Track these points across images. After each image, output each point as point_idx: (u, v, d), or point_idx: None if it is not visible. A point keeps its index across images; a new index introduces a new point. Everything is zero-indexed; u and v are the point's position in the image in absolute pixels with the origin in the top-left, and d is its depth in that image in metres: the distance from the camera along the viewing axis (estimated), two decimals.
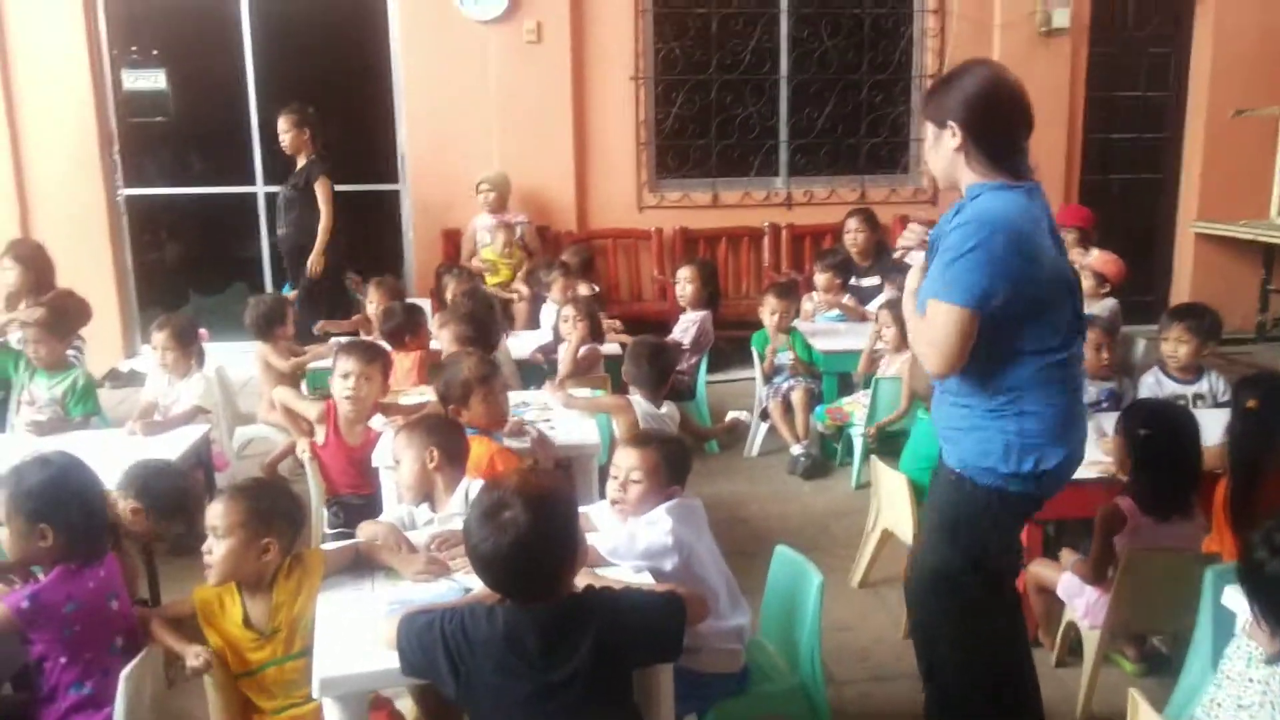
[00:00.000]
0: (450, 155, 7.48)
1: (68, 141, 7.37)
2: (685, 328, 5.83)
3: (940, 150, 2.48)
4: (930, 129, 2.51)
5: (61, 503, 2.51)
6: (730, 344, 6.76)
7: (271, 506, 2.48)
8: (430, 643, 2.05)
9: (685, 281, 5.89)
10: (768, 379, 5.59)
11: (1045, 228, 2.45)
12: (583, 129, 7.62)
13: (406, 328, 4.90)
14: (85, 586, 2.48)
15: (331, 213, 6.49)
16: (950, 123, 2.43)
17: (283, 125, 6.57)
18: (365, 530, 2.78)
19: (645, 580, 2.50)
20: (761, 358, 5.65)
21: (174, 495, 3.22)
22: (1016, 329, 2.41)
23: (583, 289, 6.14)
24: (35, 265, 5.70)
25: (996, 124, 2.43)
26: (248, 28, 7.49)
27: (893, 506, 3.80)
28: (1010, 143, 2.45)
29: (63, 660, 2.46)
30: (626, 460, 2.74)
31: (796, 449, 5.33)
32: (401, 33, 7.47)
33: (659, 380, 4.29)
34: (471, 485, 2.91)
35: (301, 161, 6.63)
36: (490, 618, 2.04)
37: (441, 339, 4.66)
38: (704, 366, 5.82)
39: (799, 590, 2.74)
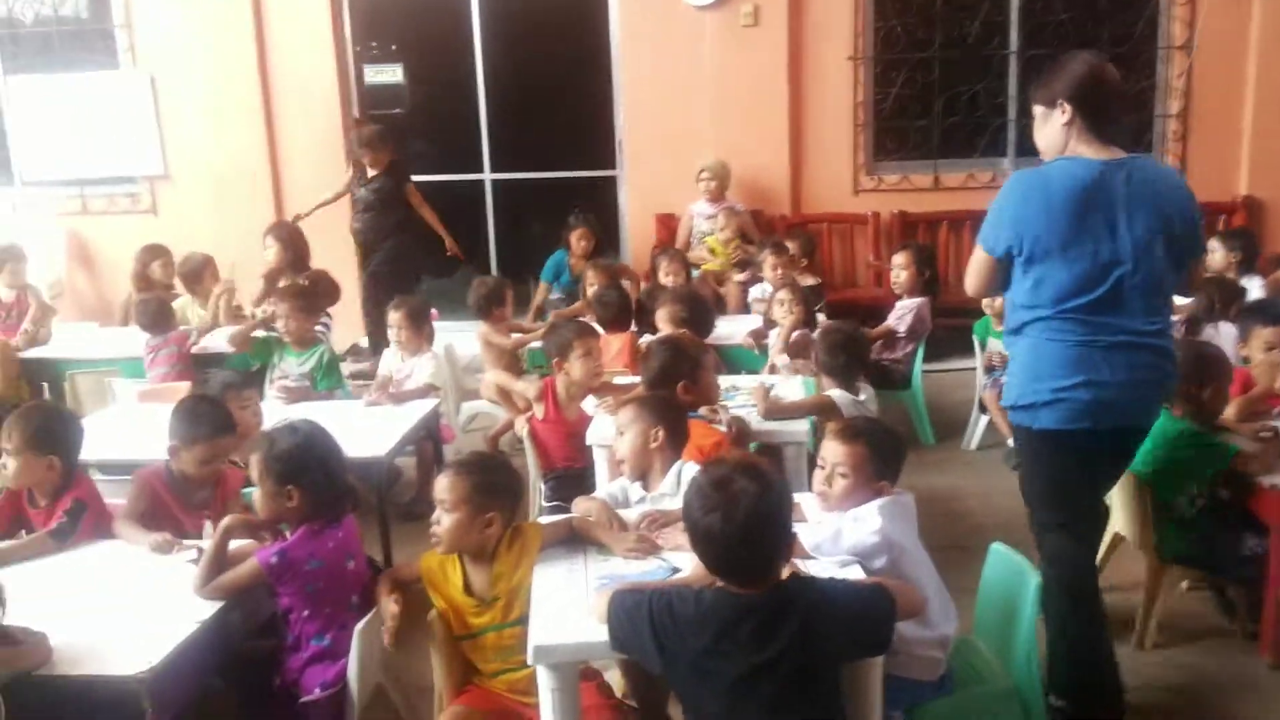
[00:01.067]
0: (666, 141, 7.56)
1: (316, 133, 7.97)
2: (901, 314, 5.66)
3: (1050, 126, 2.84)
4: (1040, 110, 2.87)
5: (307, 467, 2.72)
6: (950, 332, 6.50)
7: (494, 481, 2.59)
8: (638, 622, 2.09)
9: (901, 266, 5.71)
10: (988, 369, 5.35)
11: (1117, 196, 2.70)
12: (798, 112, 7.52)
13: (619, 310, 5.01)
14: (326, 546, 2.68)
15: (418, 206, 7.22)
16: (1060, 101, 2.78)
17: (358, 141, 7.16)
18: (580, 506, 2.86)
19: (854, 573, 2.45)
20: (983, 346, 5.41)
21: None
22: (1030, 270, 2.77)
23: (808, 280, 6.08)
24: (293, 245, 6.26)
25: (1098, 101, 2.77)
26: (478, 22, 7.83)
27: (1123, 508, 3.55)
28: (1108, 118, 2.79)
29: (305, 613, 2.67)
30: (832, 454, 2.68)
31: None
32: (621, 21, 7.60)
33: (852, 367, 4.14)
34: (685, 468, 2.94)
35: (374, 171, 7.15)
36: (698, 601, 2.06)
37: (658, 320, 4.74)
38: (920, 355, 5.64)
39: (1015, 590, 2.61)
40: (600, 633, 2.18)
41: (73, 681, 2.32)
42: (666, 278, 5.80)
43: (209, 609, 2.59)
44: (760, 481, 2.05)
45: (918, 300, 5.65)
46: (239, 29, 7.75)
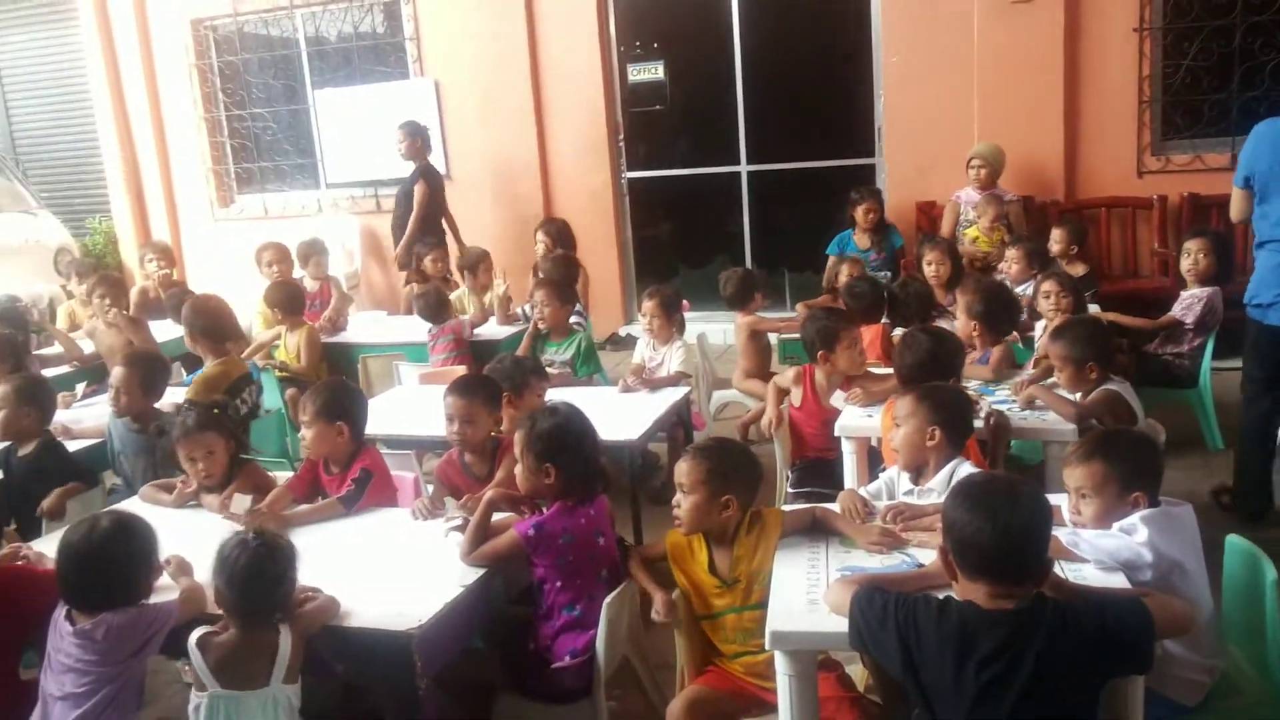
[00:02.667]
0: (928, 126, 7.33)
1: (582, 130, 8.33)
2: (1188, 304, 5.18)
3: None
4: None
5: (564, 447, 2.87)
6: (1243, 325, 5.87)
7: (731, 466, 2.63)
8: (882, 623, 2.07)
9: (1195, 253, 5.21)
10: None
11: None
12: (1074, 90, 7.05)
13: (871, 301, 4.91)
14: (578, 523, 2.82)
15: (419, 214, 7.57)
16: None
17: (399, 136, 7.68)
18: (842, 499, 2.83)
19: (1117, 581, 2.29)
20: None
21: None
22: (1260, 200, 3.97)
23: (1077, 269, 5.71)
24: (562, 240, 6.57)
25: None
26: (737, 16, 7.90)
27: None
28: None
29: (558, 584, 2.82)
30: (1072, 477, 2.52)
31: None
32: (883, 5, 7.43)
33: (1104, 360, 3.73)
34: (960, 467, 2.85)
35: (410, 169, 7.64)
36: (943, 613, 2.01)
37: (958, 308, 4.61)
38: (1210, 350, 5.15)
39: (1255, 586, 2.38)
40: (839, 624, 2.17)
41: (353, 632, 2.57)
42: (930, 268, 5.61)
43: (473, 575, 2.78)
44: (1024, 490, 2.06)
45: (1208, 290, 5.14)
46: (513, 35, 8.24)
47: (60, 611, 2.61)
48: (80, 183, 10.66)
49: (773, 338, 5.60)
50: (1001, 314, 4.38)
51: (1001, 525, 1.98)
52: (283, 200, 9.67)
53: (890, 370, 3.95)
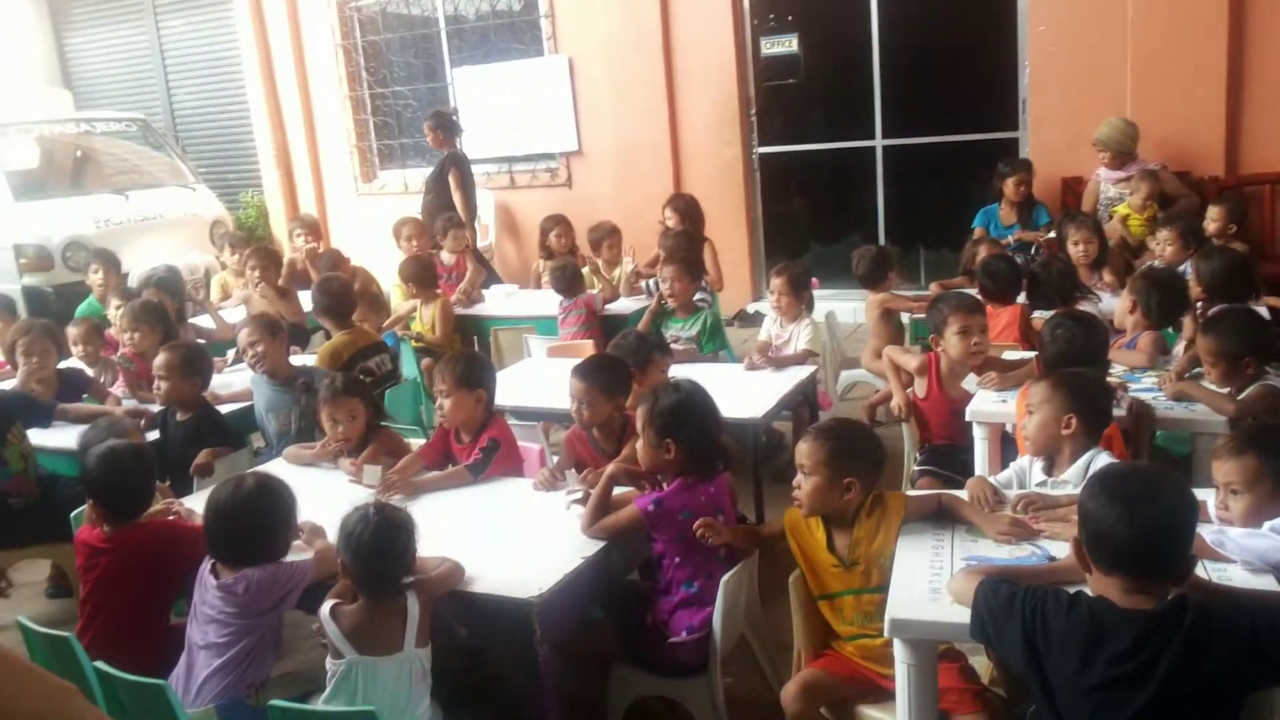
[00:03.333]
0: (1075, 98, 6.98)
1: (713, 105, 8.27)
2: None
3: None
4: None
5: (685, 423, 2.87)
6: None
7: (853, 448, 2.58)
8: (1007, 617, 2.00)
9: None
10: None
11: None
12: (1238, 56, 6.58)
13: (1008, 281, 4.73)
14: (698, 499, 2.82)
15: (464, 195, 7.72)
16: None
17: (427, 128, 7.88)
18: (971, 485, 2.75)
19: (1266, 583, 2.16)
20: None
21: None
22: None
23: (1236, 246, 5.37)
24: (690, 216, 6.56)
25: None
26: None
27: None
28: None
29: (677, 559, 2.83)
30: (1222, 472, 2.39)
31: None
32: None
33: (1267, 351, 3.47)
34: (1097, 457, 2.74)
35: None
36: (1074, 607, 1.93)
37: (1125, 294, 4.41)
38: None
39: None
40: (962, 615, 2.11)
41: (477, 598, 2.65)
42: (1075, 247, 5.36)
43: (593, 547, 2.83)
44: (1166, 483, 1.96)
45: None
46: (647, 10, 8.22)
47: (206, 565, 2.77)
48: (234, 159, 11.21)
49: (905, 317, 5.46)
50: (1172, 307, 4.13)
51: (1140, 519, 1.89)
52: (421, 175, 9.91)
53: (1026, 354, 3.81)
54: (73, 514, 3.41)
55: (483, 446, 3.46)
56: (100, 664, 2.54)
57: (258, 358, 4.33)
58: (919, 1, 7.73)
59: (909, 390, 4.09)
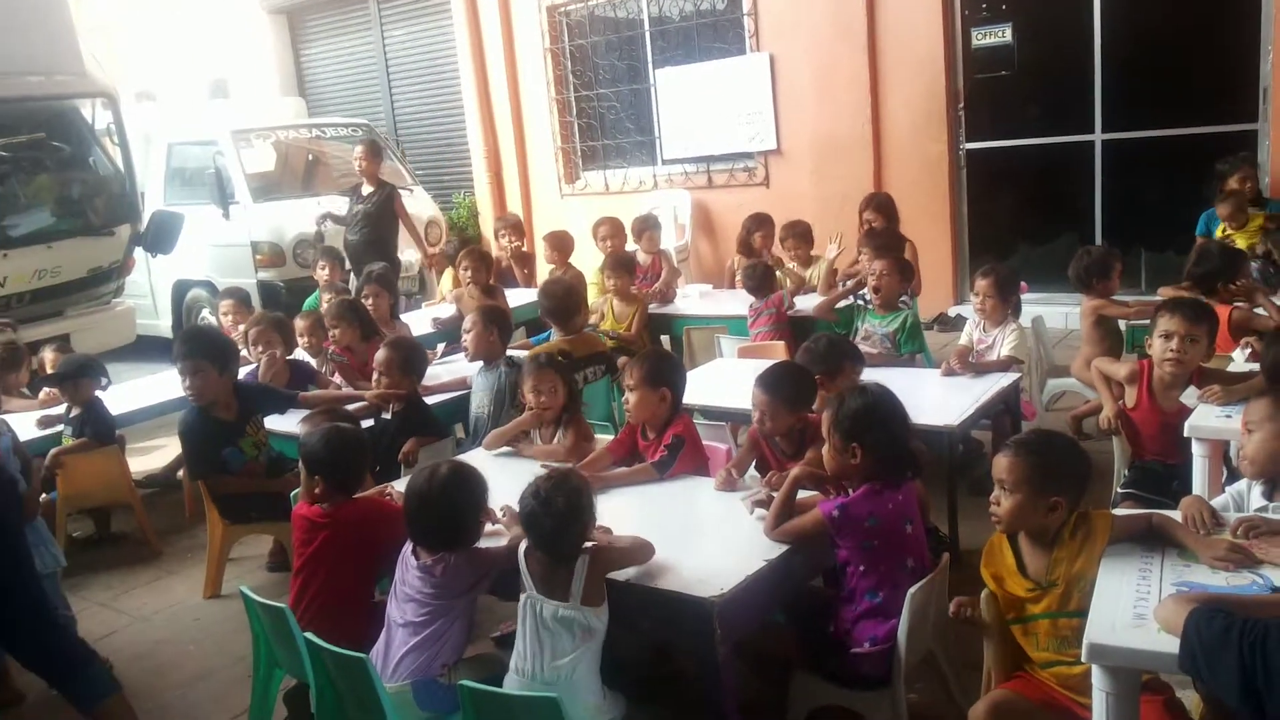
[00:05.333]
0: None
1: (919, 100, 8.02)
2: None
3: None
4: None
5: (871, 426, 2.79)
6: None
7: (1058, 464, 2.43)
8: (1222, 650, 1.84)
9: None
10: None
11: None
12: None
13: (1221, 276, 4.35)
14: (885, 507, 2.74)
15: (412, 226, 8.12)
16: None
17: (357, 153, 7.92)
18: (1183, 504, 2.57)
19: None
20: None
21: None
22: None
23: None
24: (887, 215, 6.39)
25: None
26: None
27: None
28: None
29: (861, 568, 2.76)
30: None
31: None
32: None
33: None
34: None
35: (369, 189, 7.86)
36: None
37: None
38: None
39: None
40: (1170, 644, 1.96)
41: (658, 593, 2.67)
42: None
43: (776, 550, 2.80)
44: None
45: None
46: (852, 2, 8.06)
47: (408, 546, 2.93)
48: (449, 161, 11.79)
49: (1122, 324, 5.11)
50: None
51: None
52: (622, 176, 10.14)
53: (1253, 366, 3.50)
54: (293, 493, 3.67)
55: (667, 444, 3.49)
56: (310, 635, 2.73)
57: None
58: None
59: (1119, 401, 3.83)
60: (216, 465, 4.27)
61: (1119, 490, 3.71)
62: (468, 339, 4.68)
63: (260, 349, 4.90)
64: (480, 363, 4.67)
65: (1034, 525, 2.44)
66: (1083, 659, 2.12)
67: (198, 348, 4.31)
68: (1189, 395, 3.55)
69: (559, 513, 2.66)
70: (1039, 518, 2.42)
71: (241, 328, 5.60)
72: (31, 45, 7.10)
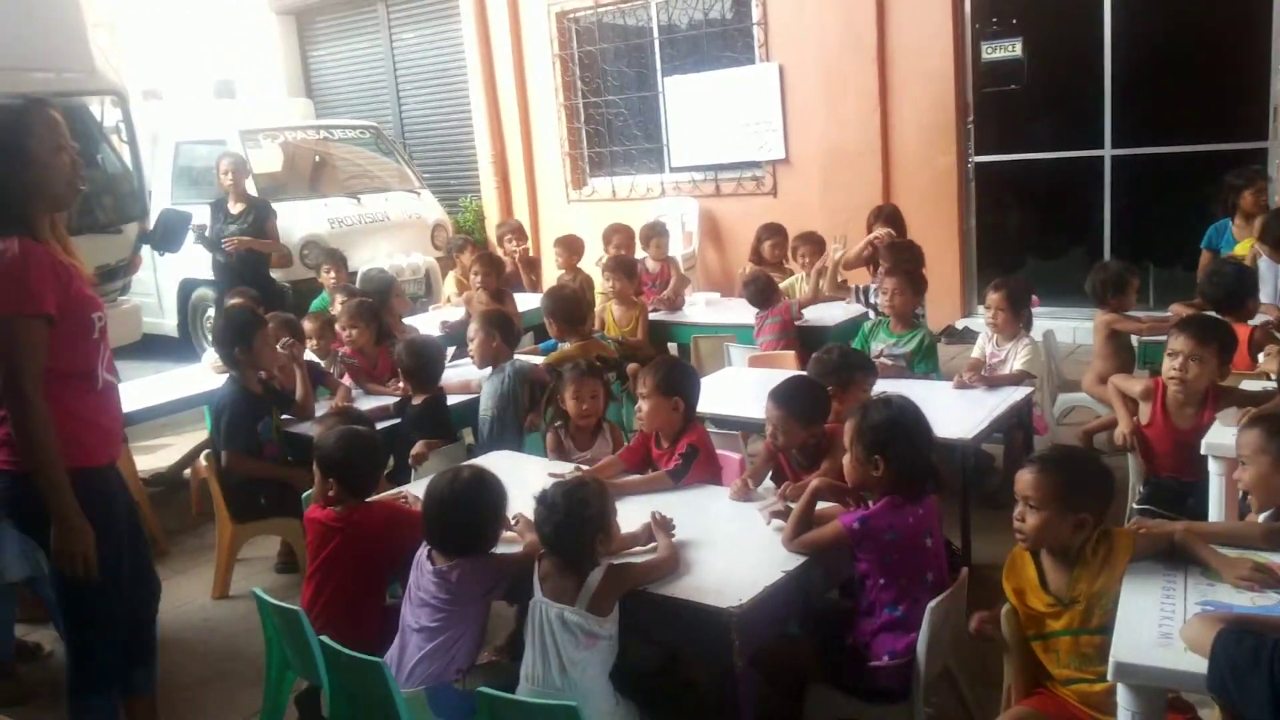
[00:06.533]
0: None
1: (928, 112, 8.03)
2: None
3: None
4: None
5: (895, 439, 2.78)
6: None
7: (1083, 480, 2.42)
8: (1251, 671, 1.83)
9: None
10: None
11: None
12: None
13: (1239, 292, 4.34)
14: (905, 521, 2.73)
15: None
16: None
17: (224, 166, 7.43)
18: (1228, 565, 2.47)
19: None
20: None
21: None
22: None
23: None
24: (896, 227, 6.39)
25: None
26: None
27: None
28: None
29: (881, 581, 2.75)
30: None
31: None
32: None
33: None
34: None
35: (240, 206, 7.41)
36: None
37: None
38: None
39: None
40: (1196, 663, 1.96)
41: (674, 603, 2.66)
42: None
43: (794, 561, 2.78)
44: None
45: None
46: (862, 15, 8.09)
47: (423, 550, 2.91)
48: (456, 164, 11.80)
49: (1134, 340, 5.11)
50: None
51: None
52: (629, 183, 10.14)
53: (1269, 385, 3.49)
54: (305, 494, 3.66)
55: (681, 452, 3.48)
56: (325, 638, 2.72)
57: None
58: (1158, 1, 7.25)
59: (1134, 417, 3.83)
60: (251, 438, 4.32)
61: (1134, 507, 3.70)
62: (472, 346, 4.70)
63: (279, 345, 4.91)
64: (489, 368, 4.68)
65: (1059, 541, 2.43)
66: (1108, 677, 2.11)
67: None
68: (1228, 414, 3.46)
69: (560, 519, 2.67)
70: (1064, 535, 2.41)
71: None
72: (41, 42, 7.07)
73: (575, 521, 2.68)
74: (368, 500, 3.26)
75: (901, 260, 5.49)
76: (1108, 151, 7.51)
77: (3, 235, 2.54)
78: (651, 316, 6.35)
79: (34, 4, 7.08)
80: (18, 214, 2.60)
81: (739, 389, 4.66)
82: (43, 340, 2.55)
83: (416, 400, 4.48)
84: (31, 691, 3.69)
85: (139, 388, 5.66)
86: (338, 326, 5.49)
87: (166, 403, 5.26)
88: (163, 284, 9.49)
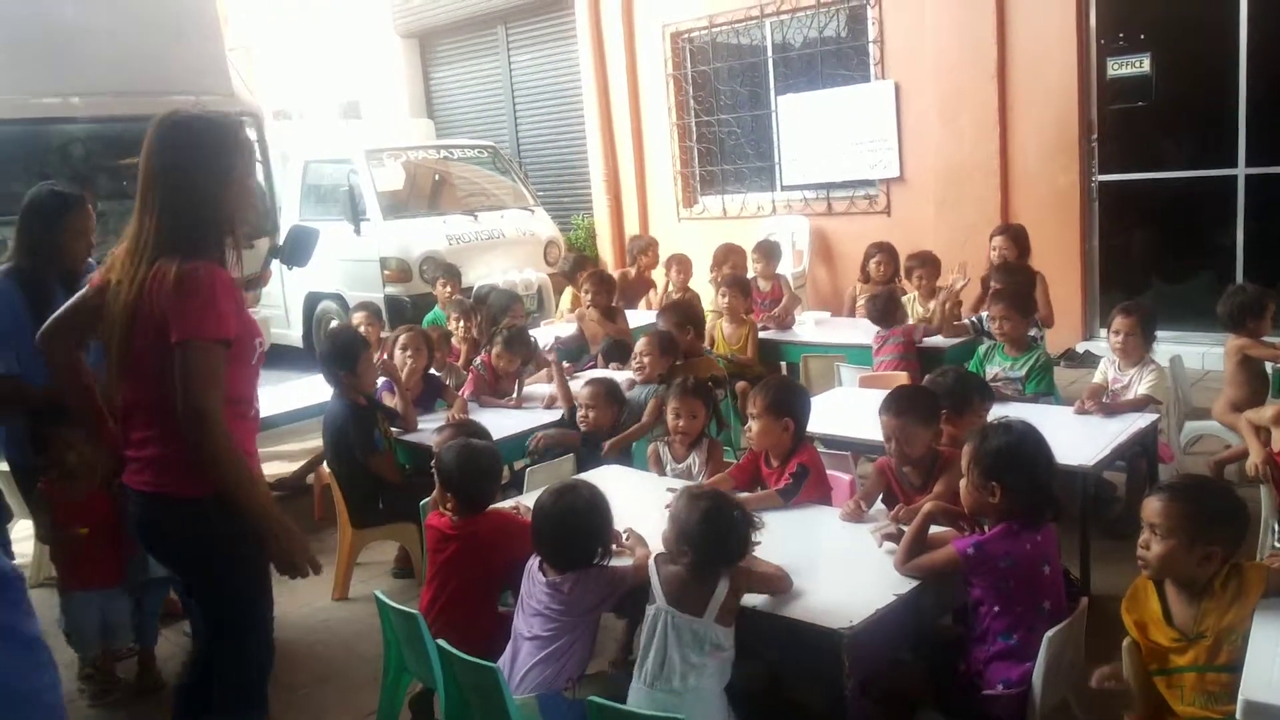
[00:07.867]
0: None
1: (1050, 130, 7.83)
2: None
3: None
4: None
5: (1014, 466, 2.73)
6: None
7: (1214, 512, 2.34)
8: None
9: None
10: None
11: None
12: None
13: None
14: (1022, 548, 2.68)
15: None
16: None
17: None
18: None
19: None
20: None
21: None
22: None
23: None
24: (1020, 246, 6.25)
25: None
26: (1244, 1, 6.97)
27: None
28: None
29: (995, 608, 2.70)
30: None
31: None
32: None
33: None
34: None
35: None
36: None
37: None
38: None
39: None
40: None
41: (784, 621, 2.66)
42: None
43: (906, 585, 2.75)
44: None
45: None
46: (981, 31, 7.95)
47: (534, 560, 2.98)
48: (569, 183, 12.01)
49: (1269, 367, 4.89)
50: None
51: None
52: (740, 201, 10.16)
53: None
54: (422, 502, 3.77)
55: (792, 472, 3.47)
56: (442, 642, 2.80)
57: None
58: None
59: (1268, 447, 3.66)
60: (374, 445, 4.50)
61: (1275, 543, 3.54)
62: (644, 361, 4.93)
63: (409, 353, 5.09)
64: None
65: (1184, 574, 2.36)
66: (1237, 717, 2.03)
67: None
68: None
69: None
70: (1191, 567, 2.33)
71: (386, 335, 5.79)
72: (184, 66, 7.48)
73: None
74: (485, 510, 3.35)
75: (1007, 286, 5.38)
76: (1241, 170, 7.20)
77: (202, 257, 2.47)
78: (761, 335, 6.35)
79: (178, 30, 7.51)
80: (216, 238, 2.56)
81: (850, 409, 4.62)
82: (223, 365, 2.48)
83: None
84: (166, 681, 3.87)
85: (264, 396, 5.90)
86: (457, 339, 5.64)
87: (288, 411, 5.48)
88: (289, 297, 9.90)
